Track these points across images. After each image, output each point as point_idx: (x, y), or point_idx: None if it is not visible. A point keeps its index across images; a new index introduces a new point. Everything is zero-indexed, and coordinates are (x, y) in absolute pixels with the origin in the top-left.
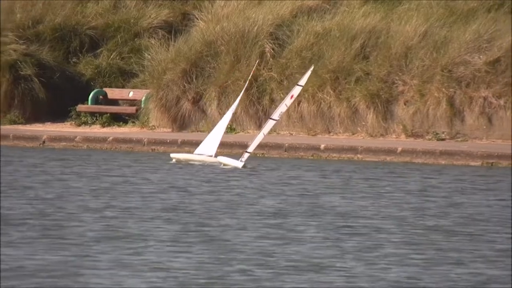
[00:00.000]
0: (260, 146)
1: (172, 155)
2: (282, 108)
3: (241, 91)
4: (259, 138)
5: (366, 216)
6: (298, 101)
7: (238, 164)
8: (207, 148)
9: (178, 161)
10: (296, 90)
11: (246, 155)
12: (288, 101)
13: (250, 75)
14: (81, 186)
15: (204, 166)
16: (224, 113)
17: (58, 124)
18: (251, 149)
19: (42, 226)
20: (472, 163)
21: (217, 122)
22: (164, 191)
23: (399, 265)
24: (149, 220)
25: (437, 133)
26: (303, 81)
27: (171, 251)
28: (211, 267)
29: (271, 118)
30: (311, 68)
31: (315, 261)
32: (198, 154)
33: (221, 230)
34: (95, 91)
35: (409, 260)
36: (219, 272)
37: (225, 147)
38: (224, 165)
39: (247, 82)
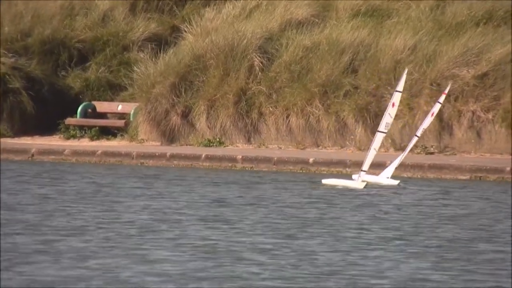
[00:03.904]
0: (250, 160)
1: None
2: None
3: (230, 105)
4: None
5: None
6: (287, 114)
7: (392, 182)
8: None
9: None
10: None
11: (362, 174)
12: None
13: None
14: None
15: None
16: (213, 127)
17: (47, 137)
18: (365, 167)
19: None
20: (461, 177)
21: (206, 135)
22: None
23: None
24: None
25: (425, 147)
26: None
27: None
28: None
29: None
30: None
31: None
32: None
33: None
34: (83, 104)
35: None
36: None
37: (214, 161)
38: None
39: None
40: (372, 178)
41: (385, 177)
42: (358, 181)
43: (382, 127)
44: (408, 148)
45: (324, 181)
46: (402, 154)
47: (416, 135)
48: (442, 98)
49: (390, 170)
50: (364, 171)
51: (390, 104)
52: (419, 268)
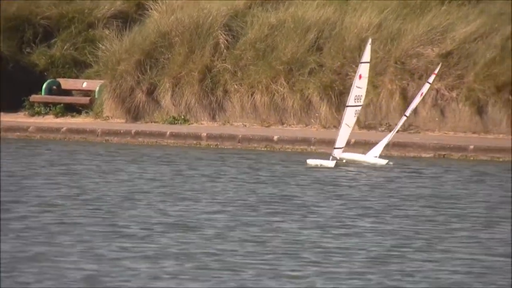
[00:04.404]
0: (214, 137)
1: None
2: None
3: (195, 82)
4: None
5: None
6: (252, 92)
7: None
8: (374, 150)
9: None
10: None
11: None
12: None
13: None
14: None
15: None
16: (178, 104)
17: (12, 114)
18: (339, 144)
19: None
20: (424, 155)
21: (171, 113)
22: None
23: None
24: None
25: (390, 125)
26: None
27: None
28: None
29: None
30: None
31: None
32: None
33: None
34: (48, 81)
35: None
36: None
37: (178, 138)
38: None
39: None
40: (360, 157)
41: (372, 156)
42: (330, 160)
43: (351, 101)
44: (397, 128)
45: (309, 161)
46: (391, 133)
47: (405, 115)
48: (431, 78)
49: (378, 149)
50: (338, 148)
51: (357, 76)
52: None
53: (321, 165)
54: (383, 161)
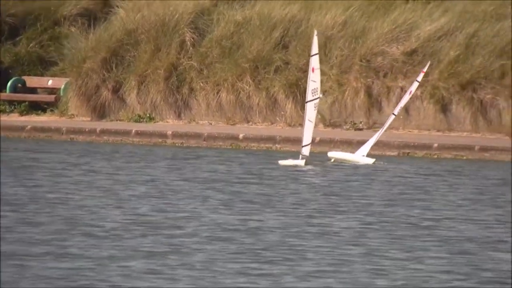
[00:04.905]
0: (180, 135)
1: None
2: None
3: (161, 80)
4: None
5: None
6: (217, 90)
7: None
8: (362, 149)
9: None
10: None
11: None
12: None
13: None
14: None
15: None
16: (144, 102)
17: None
18: (306, 141)
19: None
20: (389, 153)
21: (137, 111)
22: None
23: None
24: None
25: (354, 123)
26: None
27: None
28: None
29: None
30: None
31: None
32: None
33: None
34: (13, 79)
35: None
36: None
37: (144, 137)
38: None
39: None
40: (348, 156)
41: (360, 155)
42: (300, 159)
43: (309, 96)
44: (385, 127)
45: (281, 162)
46: (379, 132)
47: (393, 114)
48: (420, 77)
49: (365, 148)
50: (305, 145)
51: (310, 70)
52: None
53: (294, 165)
54: (371, 160)
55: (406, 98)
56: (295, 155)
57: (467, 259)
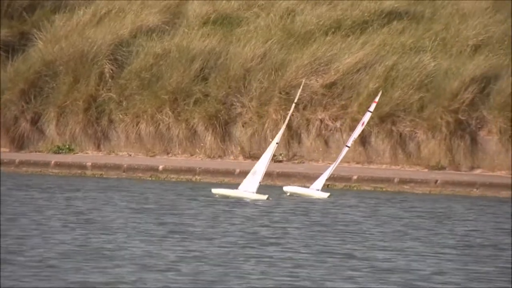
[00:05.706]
0: (99, 166)
1: (214, 190)
2: (355, 134)
3: (80, 112)
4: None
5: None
6: (137, 121)
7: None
8: (249, 184)
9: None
10: (366, 117)
11: (319, 185)
12: (360, 129)
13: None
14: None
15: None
16: (63, 134)
17: None
18: (320, 185)
19: None
20: (308, 185)
21: (56, 142)
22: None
23: None
24: None
25: (274, 155)
26: (372, 107)
27: None
28: None
29: (346, 146)
30: (379, 94)
31: None
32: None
33: None
34: None
35: None
36: None
37: (63, 168)
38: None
39: (290, 113)
40: (303, 191)
41: (315, 189)
42: (246, 190)
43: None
44: (339, 159)
45: (214, 190)
46: (333, 165)
47: (346, 146)
48: (372, 107)
49: (320, 182)
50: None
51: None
52: None
53: (227, 195)
54: (325, 194)
55: (359, 130)
56: (217, 187)
57: None
